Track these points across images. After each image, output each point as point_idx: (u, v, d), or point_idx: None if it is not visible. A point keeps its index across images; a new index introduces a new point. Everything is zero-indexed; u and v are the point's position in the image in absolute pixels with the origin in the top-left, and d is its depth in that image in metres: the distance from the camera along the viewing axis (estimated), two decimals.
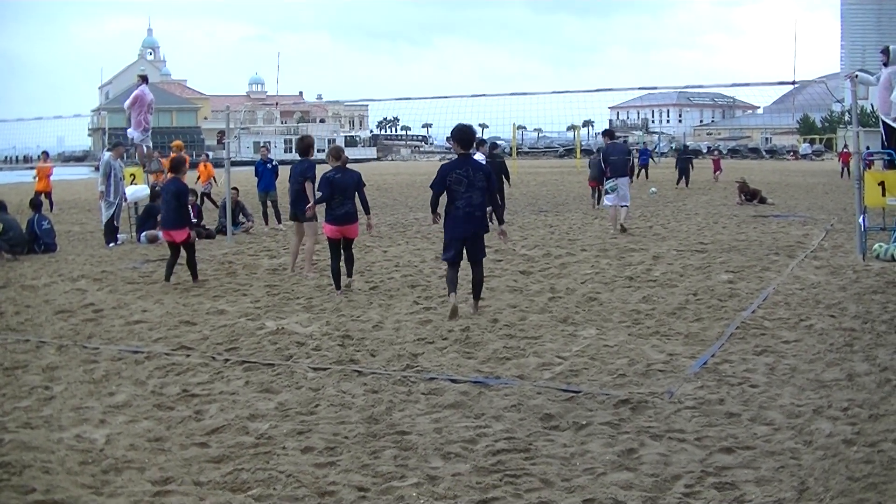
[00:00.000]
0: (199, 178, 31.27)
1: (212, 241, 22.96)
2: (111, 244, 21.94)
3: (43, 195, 31.79)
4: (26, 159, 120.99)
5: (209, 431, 7.82)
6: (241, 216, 24.95)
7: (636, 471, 6.67)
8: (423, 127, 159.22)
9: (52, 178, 36.55)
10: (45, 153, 38.63)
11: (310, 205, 15.64)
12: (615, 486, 6.37)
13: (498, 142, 46.54)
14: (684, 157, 46.39)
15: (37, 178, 36.06)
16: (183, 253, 15.79)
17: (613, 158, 23.30)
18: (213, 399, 8.79)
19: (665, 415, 7.98)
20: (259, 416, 8.21)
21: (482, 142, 27.31)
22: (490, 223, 13.40)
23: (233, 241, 22.15)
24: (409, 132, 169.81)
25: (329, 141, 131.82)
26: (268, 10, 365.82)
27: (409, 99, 31.83)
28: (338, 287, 14.59)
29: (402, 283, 15.33)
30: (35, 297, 14.93)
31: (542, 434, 7.58)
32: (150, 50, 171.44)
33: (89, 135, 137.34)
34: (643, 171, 49.39)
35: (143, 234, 22.54)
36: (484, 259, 13.00)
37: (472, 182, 12.31)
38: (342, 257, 14.83)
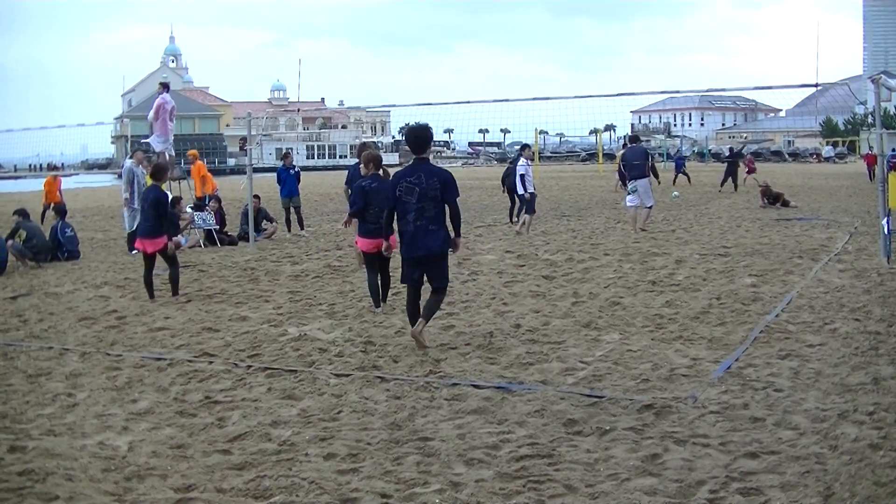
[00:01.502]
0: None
1: (234, 247, 23.03)
2: (134, 251, 21.95)
3: (51, 206, 31.73)
4: (50, 167, 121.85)
5: (232, 438, 7.82)
6: (263, 222, 24.98)
7: (660, 476, 6.63)
8: (444, 132, 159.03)
9: (61, 188, 35.72)
10: (54, 166, 38.24)
11: (345, 218, 15.12)
12: (639, 491, 6.34)
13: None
14: (731, 161, 46.12)
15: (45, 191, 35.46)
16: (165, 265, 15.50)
17: (634, 162, 23.68)
18: (235, 406, 8.80)
19: (689, 420, 7.94)
20: (281, 423, 8.20)
21: (525, 146, 27.17)
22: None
23: (255, 248, 22.20)
24: None
25: (351, 147, 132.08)
26: (287, 17, 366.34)
27: (431, 104, 31.81)
28: (376, 304, 13.43)
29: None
30: (58, 304, 14.99)
31: (566, 439, 7.55)
32: (172, 57, 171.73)
33: (112, 142, 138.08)
34: (682, 176, 48.91)
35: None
36: (448, 286, 11.49)
37: (425, 192, 10.74)
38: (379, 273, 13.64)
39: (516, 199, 27.18)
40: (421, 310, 11.04)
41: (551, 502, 6.24)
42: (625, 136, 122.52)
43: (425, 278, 11.11)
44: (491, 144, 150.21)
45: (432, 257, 10.88)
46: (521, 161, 25.33)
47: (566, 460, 7.04)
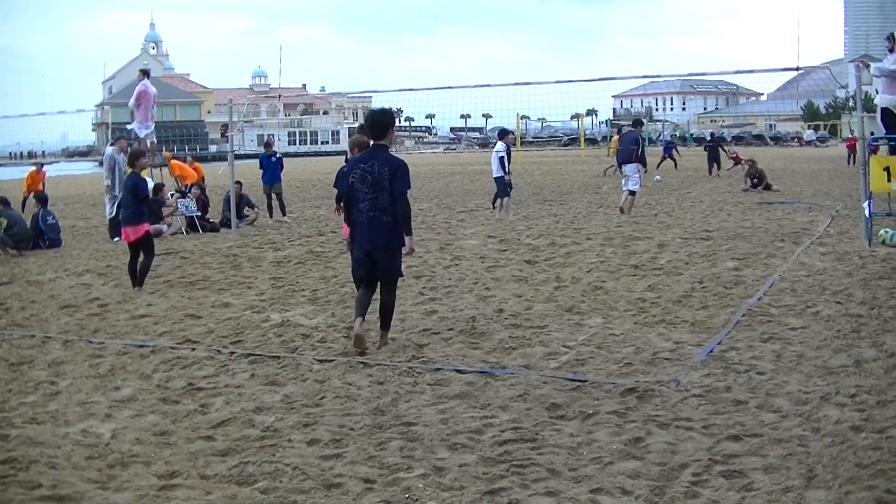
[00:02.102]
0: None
1: (216, 234, 22.99)
2: (116, 238, 21.90)
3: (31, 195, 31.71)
4: (31, 155, 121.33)
5: (215, 425, 7.81)
6: (245, 209, 24.94)
7: (643, 460, 6.65)
8: (426, 118, 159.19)
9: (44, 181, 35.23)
10: (34, 154, 38.26)
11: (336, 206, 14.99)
12: (622, 475, 6.35)
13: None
14: (712, 146, 46.08)
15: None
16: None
17: (620, 147, 24.05)
18: (218, 392, 8.78)
19: (672, 403, 7.95)
20: (265, 409, 8.19)
21: (505, 132, 27.20)
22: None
23: (237, 234, 22.18)
24: (412, 123, 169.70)
25: (335, 133, 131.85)
26: (268, 2, 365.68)
27: (413, 90, 31.76)
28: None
29: (407, 273, 15.18)
30: (40, 292, 14.94)
31: (549, 424, 7.56)
32: (152, 44, 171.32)
33: (93, 130, 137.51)
34: (667, 161, 48.69)
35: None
36: (399, 280, 10.76)
37: (378, 181, 10.10)
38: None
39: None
40: (366, 309, 10.28)
41: (535, 486, 6.24)
42: (607, 121, 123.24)
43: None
44: (473, 129, 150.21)
45: (385, 250, 10.22)
46: (500, 145, 25.35)
47: (549, 444, 7.05)
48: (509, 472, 6.50)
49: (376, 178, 10.11)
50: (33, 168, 33.60)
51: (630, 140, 24.93)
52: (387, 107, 11.34)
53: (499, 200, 25.16)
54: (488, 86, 27.28)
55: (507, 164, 24.53)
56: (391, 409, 8.10)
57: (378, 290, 10.42)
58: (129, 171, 15.74)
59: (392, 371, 9.31)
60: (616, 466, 6.53)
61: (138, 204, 14.86)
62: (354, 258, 10.56)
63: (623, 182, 24.56)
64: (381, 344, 10.31)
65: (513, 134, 27.50)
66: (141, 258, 14.86)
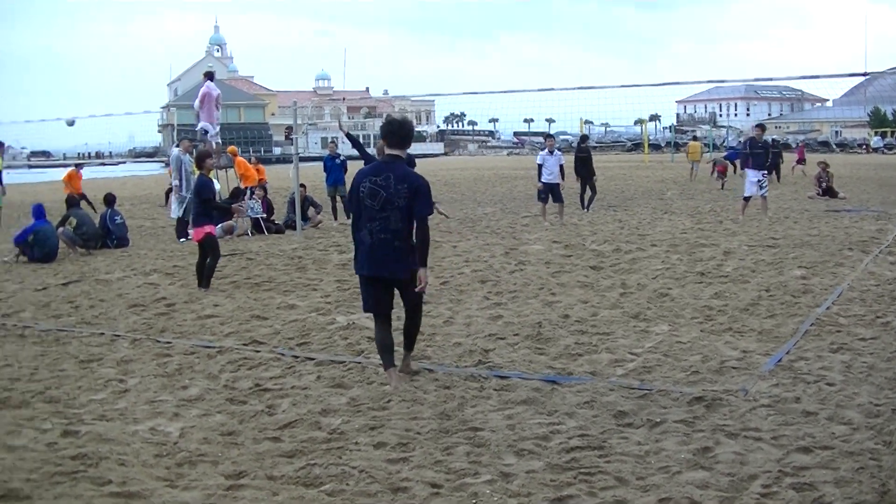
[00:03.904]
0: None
1: (281, 235, 23.11)
2: (182, 239, 22.13)
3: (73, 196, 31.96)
4: (98, 155, 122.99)
5: (282, 426, 7.86)
6: (310, 210, 25.05)
7: (712, 470, 6.59)
8: (489, 122, 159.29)
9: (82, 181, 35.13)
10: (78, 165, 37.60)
11: None
12: (691, 485, 6.30)
13: (564, 136, 46.48)
14: (774, 152, 45.52)
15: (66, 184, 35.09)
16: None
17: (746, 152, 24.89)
18: (285, 394, 8.84)
19: (740, 413, 7.88)
20: (331, 412, 8.23)
21: (548, 136, 27.23)
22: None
23: (302, 237, 22.25)
24: (475, 127, 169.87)
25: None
26: (331, 6, 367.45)
27: (476, 94, 31.66)
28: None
29: (472, 278, 15.28)
30: (109, 290, 15.11)
31: (616, 431, 7.52)
32: (217, 47, 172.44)
33: (159, 131, 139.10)
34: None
35: (218, 226, 22.66)
36: (423, 301, 9.66)
37: (392, 199, 8.77)
38: None
39: (587, 185, 28.02)
40: (393, 353, 9.27)
41: (602, 495, 6.21)
42: (671, 126, 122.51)
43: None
44: (536, 134, 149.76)
45: (397, 282, 9.13)
46: (542, 152, 25.32)
47: (617, 452, 7.01)
48: (576, 479, 6.47)
49: (390, 195, 8.78)
50: (72, 168, 33.75)
51: (754, 146, 24.99)
52: (408, 116, 10.53)
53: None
54: (551, 90, 27.09)
55: (543, 172, 24.45)
56: (457, 413, 8.09)
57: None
58: (197, 172, 15.81)
59: (458, 376, 9.30)
60: (684, 476, 6.48)
61: (202, 205, 15.01)
62: (361, 281, 9.30)
63: (747, 187, 24.54)
64: (404, 367, 9.38)
65: (554, 139, 27.38)
66: (207, 259, 14.97)
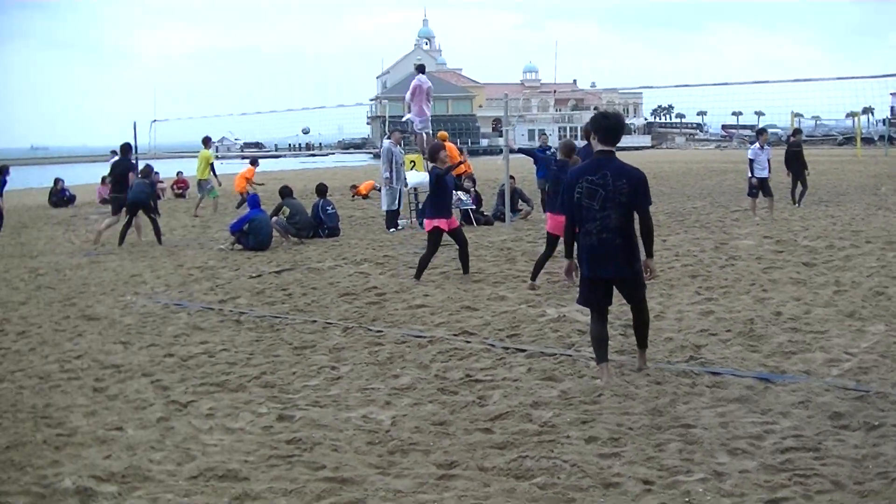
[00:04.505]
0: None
1: (490, 227, 23.15)
2: (392, 229, 22.42)
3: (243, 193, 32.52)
4: (308, 147, 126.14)
5: (493, 417, 7.82)
6: (519, 203, 25.04)
7: None
8: (697, 115, 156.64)
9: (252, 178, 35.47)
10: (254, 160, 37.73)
11: None
12: None
13: (773, 129, 45.30)
14: None
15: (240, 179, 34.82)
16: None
17: None
18: (496, 385, 8.80)
19: None
20: (542, 404, 8.15)
21: (762, 131, 26.54)
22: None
23: (511, 228, 22.27)
24: (683, 120, 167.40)
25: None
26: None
27: (684, 86, 31.15)
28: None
29: (683, 272, 14.98)
30: (320, 279, 15.42)
31: (832, 433, 7.20)
32: (425, 40, 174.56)
33: (367, 123, 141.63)
34: None
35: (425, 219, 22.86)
36: (646, 294, 9.25)
37: (612, 196, 8.57)
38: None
39: (798, 180, 27.13)
40: (607, 349, 9.10)
41: (818, 498, 5.96)
42: (885, 119, 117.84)
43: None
44: (745, 127, 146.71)
45: (621, 279, 8.91)
46: (753, 146, 24.66)
47: (833, 455, 6.71)
48: (791, 481, 6.23)
49: (609, 193, 8.58)
50: (249, 166, 34.30)
51: None
52: (618, 110, 10.50)
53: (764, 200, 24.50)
54: (761, 82, 26.48)
55: (755, 167, 23.81)
56: (669, 409, 7.90)
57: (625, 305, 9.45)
58: (431, 165, 16.06)
59: (669, 371, 9.10)
60: None
61: (440, 194, 15.15)
62: (584, 281, 9.00)
63: None
64: (641, 365, 9.25)
65: (766, 133, 26.61)
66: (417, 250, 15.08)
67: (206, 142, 31.18)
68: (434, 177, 15.35)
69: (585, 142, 16.00)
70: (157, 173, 23.11)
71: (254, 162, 34.92)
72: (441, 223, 15.03)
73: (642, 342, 9.30)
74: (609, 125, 8.86)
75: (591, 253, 8.71)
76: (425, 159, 25.45)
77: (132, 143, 25.90)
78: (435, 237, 15.12)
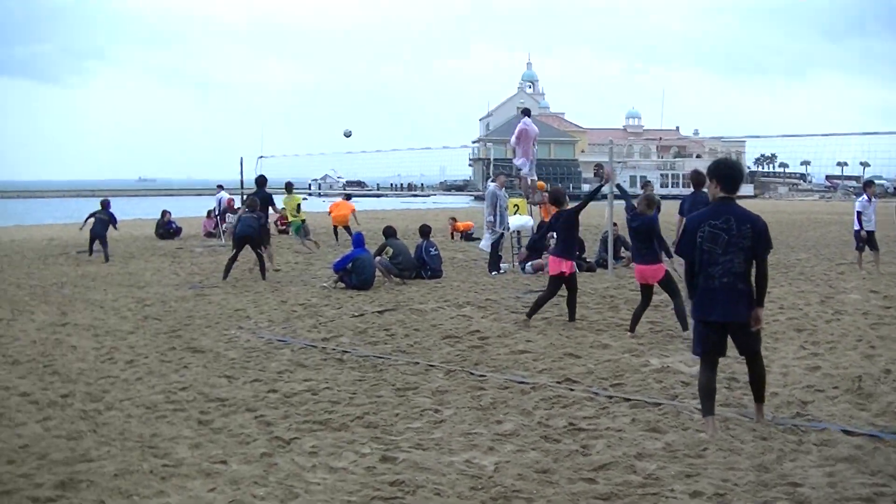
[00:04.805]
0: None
1: (592, 273, 23.04)
2: (494, 273, 22.44)
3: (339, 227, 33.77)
4: (410, 187, 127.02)
5: (596, 467, 7.77)
6: (622, 250, 24.92)
7: None
8: (800, 164, 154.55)
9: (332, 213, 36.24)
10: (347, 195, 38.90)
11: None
12: None
13: (879, 181, 44.44)
14: None
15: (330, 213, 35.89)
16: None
17: None
18: (599, 434, 8.75)
19: None
20: (646, 456, 8.08)
21: (869, 183, 26.13)
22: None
23: (613, 275, 22.16)
24: (786, 169, 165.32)
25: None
26: (640, 44, 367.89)
27: (789, 136, 30.69)
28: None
29: (788, 325, 14.76)
30: (423, 320, 15.49)
31: None
32: (529, 83, 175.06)
33: (469, 165, 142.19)
34: None
35: (529, 263, 22.89)
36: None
37: (736, 241, 8.65)
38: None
39: None
40: (714, 400, 9.06)
41: None
42: None
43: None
44: (849, 178, 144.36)
45: (739, 325, 8.82)
46: (861, 198, 24.23)
47: None
48: None
49: (734, 238, 8.66)
50: (342, 199, 35.17)
51: None
52: (738, 160, 10.55)
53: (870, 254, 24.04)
54: (872, 133, 26.02)
55: (862, 220, 23.38)
56: (776, 466, 7.77)
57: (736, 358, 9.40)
58: (556, 209, 16.01)
59: (775, 427, 8.96)
60: None
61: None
62: (701, 327, 8.92)
63: None
64: (759, 418, 9.16)
65: (874, 185, 26.10)
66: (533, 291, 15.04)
67: (289, 187, 31.88)
68: (566, 217, 15.32)
69: (692, 189, 15.96)
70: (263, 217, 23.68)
71: (347, 198, 35.81)
72: (568, 267, 15.09)
73: (759, 396, 9.23)
74: (731, 174, 8.94)
75: (713, 297, 8.73)
76: (529, 203, 25.60)
77: (265, 176, 26.59)
78: (559, 282, 15.16)
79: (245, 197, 28.99)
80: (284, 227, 39.72)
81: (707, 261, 8.73)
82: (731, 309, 8.67)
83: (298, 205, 31.40)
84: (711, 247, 8.70)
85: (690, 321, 9.46)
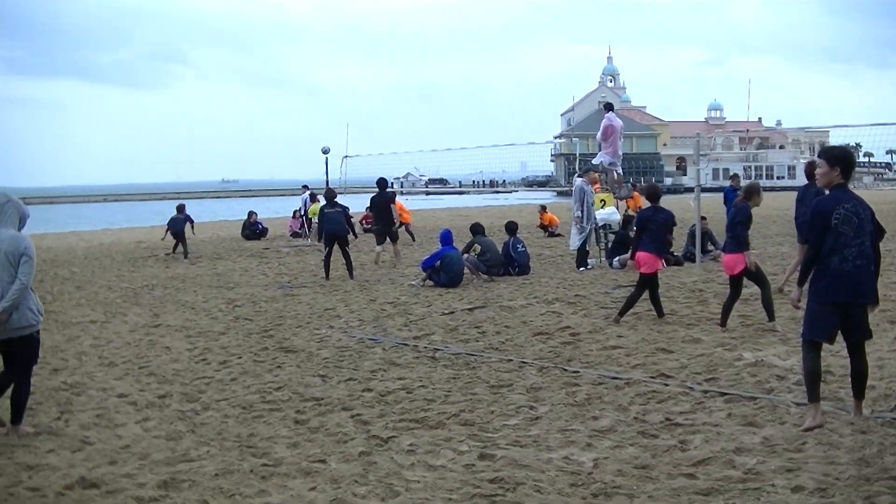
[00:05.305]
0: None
1: (680, 267, 22.90)
2: (582, 268, 22.41)
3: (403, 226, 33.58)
4: (492, 184, 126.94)
5: (695, 462, 7.77)
6: (709, 244, 24.76)
7: None
8: (886, 153, 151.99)
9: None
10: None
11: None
12: None
13: None
14: None
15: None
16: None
17: None
18: (696, 430, 8.74)
19: None
20: (745, 450, 8.05)
21: None
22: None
23: (701, 269, 22.00)
24: (871, 159, 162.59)
25: (790, 168, 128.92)
26: (721, 35, 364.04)
27: (875, 125, 29.97)
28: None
29: (881, 318, 14.41)
30: (513, 317, 15.53)
31: None
32: (609, 77, 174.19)
33: (551, 160, 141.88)
34: None
35: (616, 259, 22.82)
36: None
37: (864, 224, 8.71)
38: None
39: None
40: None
41: None
42: None
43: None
44: None
45: (862, 307, 8.76)
46: None
47: None
48: None
49: (863, 221, 8.69)
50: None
51: None
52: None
53: None
54: None
55: None
56: (877, 460, 7.69)
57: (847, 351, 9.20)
58: (643, 205, 15.96)
59: (874, 420, 8.87)
60: None
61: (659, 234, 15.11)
62: (821, 310, 8.77)
63: None
64: (857, 414, 8.99)
65: None
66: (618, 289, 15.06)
67: (315, 197, 32.26)
68: (665, 218, 15.36)
69: (806, 181, 15.65)
70: (346, 207, 23.76)
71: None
72: (660, 265, 15.20)
73: (860, 391, 9.07)
74: (853, 161, 9.12)
75: (845, 279, 8.66)
76: (616, 197, 25.53)
77: (387, 179, 26.90)
78: (654, 279, 15.18)
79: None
80: (370, 225, 40.04)
81: (842, 243, 8.67)
82: (861, 290, 8.68)
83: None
84: (846, 229, 8.66)
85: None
